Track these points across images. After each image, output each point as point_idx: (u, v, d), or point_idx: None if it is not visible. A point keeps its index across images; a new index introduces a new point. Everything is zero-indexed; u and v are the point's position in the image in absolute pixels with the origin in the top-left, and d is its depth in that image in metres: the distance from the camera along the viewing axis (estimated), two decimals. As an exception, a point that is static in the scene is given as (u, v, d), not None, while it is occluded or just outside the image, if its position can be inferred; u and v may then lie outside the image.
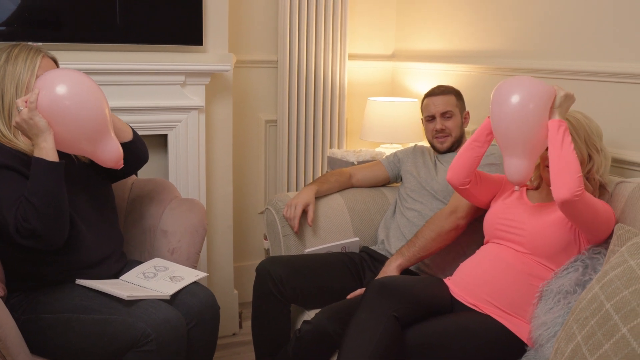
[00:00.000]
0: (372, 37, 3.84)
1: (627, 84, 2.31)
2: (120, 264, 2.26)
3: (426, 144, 2.86)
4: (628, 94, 2.31)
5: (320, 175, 3.59)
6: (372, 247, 2.66)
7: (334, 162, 3.32)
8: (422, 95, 2.77)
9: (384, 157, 2.97)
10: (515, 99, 1.95)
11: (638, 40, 2.26)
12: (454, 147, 2.68)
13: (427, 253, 2.40)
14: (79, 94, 1.92)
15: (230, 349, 3.20)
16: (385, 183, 2.90)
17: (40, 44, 2.30)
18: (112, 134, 2.00)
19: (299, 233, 2.65)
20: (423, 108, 2.75)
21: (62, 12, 2.79)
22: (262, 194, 3.71)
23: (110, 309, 1.96)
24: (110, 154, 1.99)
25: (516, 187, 2.07)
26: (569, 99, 1.99)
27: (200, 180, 3.13)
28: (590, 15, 2.47)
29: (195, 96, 3.06)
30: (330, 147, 3.68)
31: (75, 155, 2.20)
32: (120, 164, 2.03)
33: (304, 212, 2.63)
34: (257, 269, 2.44)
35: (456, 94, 2.71)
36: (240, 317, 3.41)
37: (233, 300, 3.38)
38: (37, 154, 1.91)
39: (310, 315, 2.37)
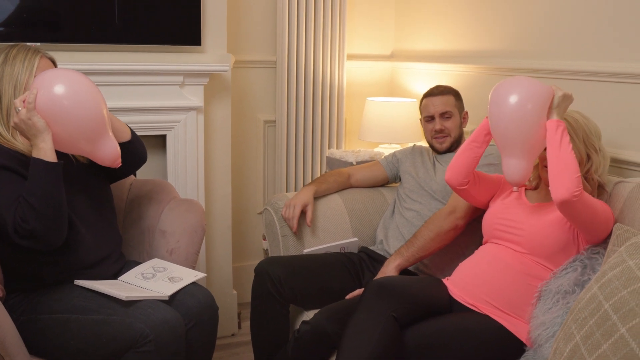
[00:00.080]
0: (371, 37, 3.84)
1: (626, 83, 2.31)
2: (118, 264, 2.26)
3: (425, 144, 2.86)
4: (627, 94, 2.31)
5: (319, 175, 3.58)
6: (371, 248, 2.66)
7: (332, 163, 3.32)
8: (421, 96, 2.77)
9: (383, 157, 2.97)
10: (513, 99, 1.95)
11: (637, 40, 2.26)
12: (453, 147, 2.68)
13: (426, 253, 2.40)
14: (77, 94, 1.91)
15: (229, 350, 3.20)
16: (384, 183, 2.90)
17: (38, 44, 2.30)
18: (110, 133, 2.00)
19: (298, 233, 2.65)
20: (422, 108, 2.75)
21: (60, 13, 2.79)
22: (261, 195, 3.71)
23: (108, 309, 1.96)
24: (108, 153, 1.99)
25: (515, 188, 2.07)
26: (567, 99, 1.99)
27: (199, 180, 3.13)
28: (590, 15, 2.47)
29: (193, 96, 3.06)
30: (329, 148, 3.68)
31: (73, 156, 2.20)
32: (117, 163, 2.03)
33: (303, 213, 2.63)
34: (256, 270, 2.44)
35: (455, 94, 2.71)
36: (239, 317, 3.41)
37: (232, 300, 3.38)
38: (36, 154, 1.90)
39: (309, 315, 2.37)
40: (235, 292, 3.42)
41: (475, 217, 2.40)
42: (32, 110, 1.87)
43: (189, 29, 2.99)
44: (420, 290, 2.10)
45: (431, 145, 2.74)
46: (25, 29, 2.74)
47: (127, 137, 2.23)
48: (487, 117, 2.12)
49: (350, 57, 3.72)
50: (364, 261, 2.59)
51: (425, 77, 3.55)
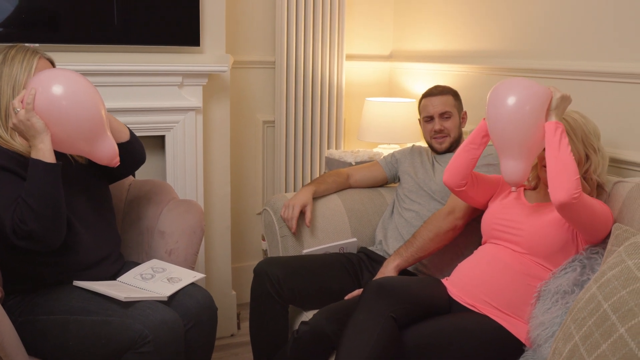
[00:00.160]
0: (370, 38, 3.84)
1: (625, 83, 2.31)
2: (117, 265, 2.26)
3: (424, 144, 2.86)
4: (626, 93, 2.31)
5: (318, 176, 3.58)
6: (370, 248, 2.66)
7: (331, 163, 3.32)
8: (420, 96, 2.77)
9: (382, 157, 2.97)
10: (511, 100, 1.95)
11: (637, 40, 2.26)
12: (452, 148, 2.68)
13: (425, 253, 2.40)
14: (75, 94, 1.91)
15: (228, 350, 3.20)
16: (383, 183, 2.90)
17: (37, 45, 2.30)
18: (108, 132, 2.00)
19: (297, 234, 2.64)
20: (421, 109, 2.74)
21: (59, 13, 2.79)
22: (260, 195, 3.71)
23: (107, 310, 1.96)
24: (106, 152, 1.99)
25: (513, 188, 2.07)
26: (565, 100, 1.98)
27: (198, 181, 3.13)
28: (589, 15, 2.47)
29: (192, 97, 3.06)
30: (328, 148, 3.68)
31: (72, 157, 2.19)
32: (115, 162, 2.02)
33: (302, 213, 2.63)
34: (255, 270, 2.44)
35: (454, 94, 2.71)
36: (238, 318, 3.41)
37: (231, 301, 3.38)
38: (35, 155, 1.90)
39: (308, 316, 2.36)
40: (234, 292, 3.42)
41: (474, 217, 2.40)
42: (30, 111, 1.87)
43: (188, 30, 2.99)
44: (419, 291, 2.10)
45: (430, 146, 2.74)
46: (24, 29, 2.74)
47: (125, 137, 2.23)
48: (484, 119, 2.12)
49: (349, 57, 3.72)
50: (363, 261, 2.59)
51: (424, 77, 3.55)
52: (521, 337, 2.01)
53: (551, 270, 2.04)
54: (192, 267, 2.39)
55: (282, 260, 2.50)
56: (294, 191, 3.57)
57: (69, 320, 1.96)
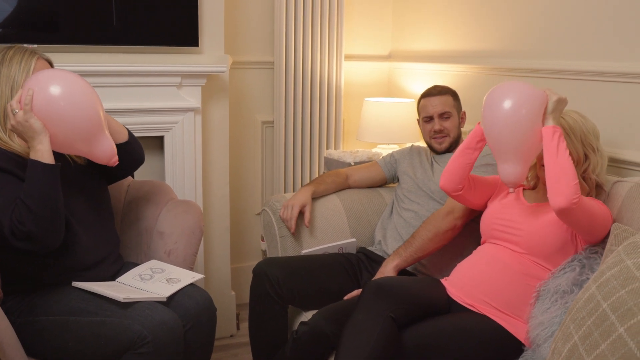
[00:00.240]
0: (369, 38, 3.84)
1: (624, 83, 2.31)
2: (116, 266, 2.25)
3: (423, 144, 2.86)
4: (626, 93, 2.31)
5: (317, 176, 3.58)
6: (369, 248, 2.66)
7: (330, 163, 3.32)
8: (419, 96, 2.77)
9: (381, 157, 2.97)
10: (507, 104, 1.95)
11: (636, 40, 2.26)
12: (452, 148, 2.68)
13: (424, 253, 2.40)
14: (73, 94, 1.91)
15: (227, 351, 3.20)
16: (382, 184, 2.90)
17: (35, 45, 2.30)
18: (106, 132, 1.99)
19: (296, 234, 2.64)
20: (420, 109, 2.74)
21: (58, 14, 2.79)
22: (259, 195, 3.70)
23: (106, 311, 1.96)
24: (105, 152, 1.99)
25: (511, 190, 2.06)
26: (561, 102, 1.98)
27: (197, 181, 3.12)
28: (588, 15, 2.46)
29: (191, 97, 3.05)
30: (327, 148, 3.68)
31: (71, 157, 2.19)
32: (114, 161, 2.01)
33: (301, 213, 2.63)
34: (254, 270, 2.44)
35: (453, 94, 2.71)
36: (237, 318, 3.41)
37: (230, 301, 3.38)
38: (33, 156, 1.90)
39: (307, 316, 2.36)
40: (233, 293, 3.42)
41: (473, 217, 2.40)
42: (29, 112, 1.86)
43: (187, 30, 2.99)
44: (418, 291, 2.09)
45: (429, 146, 2.74)
46: (22, 30, 2.74)
47: (124, 138, 2.22)
48: (479, 123, 2.13)
49: (348, 57, 3.72)
50: (362, 262, 2.59)
51: (423, 77, 3.55)
52: (520, 337, 2.01)
53: (550, 270, 2.04)
54: (191, 268, 2.39)
55: (281, 260, 2.50)
56: (293, 191, 3.57)
57: (68, 321, 1.96)
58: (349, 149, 3.64)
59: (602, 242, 1.99)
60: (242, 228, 3.69)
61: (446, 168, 2.24)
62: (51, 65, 2.14)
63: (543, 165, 2.01)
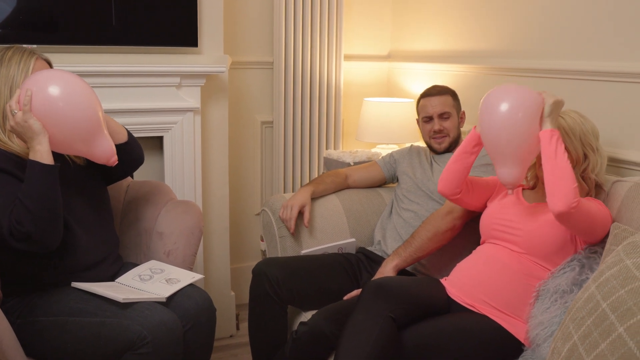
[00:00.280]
0: (368, 38, 3.84)
1: (624, 83, 2.31)
2: (116, 266, 2.25)
3: (422, 144, 2.86)
4: (626, 93, 2.31)
5: (316, 176, 3.58)
6: (369, 248, 2.66)
7: (330, 163, 3.32)
8: (418, 96, 2.77)
9: (380, 157, 2.97)
10: (504, 108, 1.94)
11: (636, 40, 2.26)
12: (451, 148, 2.68)
13: (424, 253, 2.40)
14: (72, 95, 1.91)
15: (227, 351, 3.20)
16: (382, 184, 2.90)
17: (34, 46, 2.30)
18: (105, 132, 1.99)
19: (295, 234, 2.64)
20: (419, 109, 2.74)
21: (57, 14, 2.79)
22: (259, 196, 3.70)
23: (105, 311, 1.95)
24: (104, 151, 1.98)
25: (510, 192, 2.06)
26: (558, 104, 1.97)
27: (196, 182, 3.12)
28: (589, 15, 2.46)
29: (190, 98, 3.05)
30: (327, 148, 3.68)
31: (70, 158, 2.19)
32: (113, 160, 2.01)
33: (300, 214, 2.63)
34: (254, 271, 2.43)
35: (452, 94, 2.72)
36: (237, 318, 3.41)
37: (230, 302, 3.38)
38: (32, 156, 1.90)
39: (307, 316, 2.36)
40: (233, 293, 3.42)
41: (472, 217, 2.40)
42: (27, 113, 1.86)
43: (186, 30, 2.99)
44: (418, 291, 2.09)
45: (429, 146, 2.74)
46: (22, 31, 2.74)
47: (123, 138, 2.22)
48: (474, 128, 2.12)
49: (348, 57, 3.72)
50: (362, 262, 2.59)
51: (422, 77, 3.55)
52: (520, 336, 2.01)
53: (550, 270, 2.04)
54: (190, 268, 2.39)
55: (280, 260, 2.50)
56: (293, 192, 3.57)
57: (68, 321, 1.96)
58: (348, 149, 3.64)
59: (602, 241, 1.99)
60: (242, 228, 3.69)
61: (443, 173, 2.24)
62: (50, 65, 2.14)
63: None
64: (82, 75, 2.04)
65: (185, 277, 2.21)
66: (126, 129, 2.26)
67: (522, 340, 2.01)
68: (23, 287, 2.07)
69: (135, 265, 2.31)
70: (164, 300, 2.08)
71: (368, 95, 3.76)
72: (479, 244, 2.27)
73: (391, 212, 2.71)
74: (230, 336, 3.37)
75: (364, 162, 3.17)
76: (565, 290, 1.94)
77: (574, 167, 2.06)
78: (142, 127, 2.94)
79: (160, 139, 3.08)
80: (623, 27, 2.31)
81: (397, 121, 3.37)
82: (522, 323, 2.03)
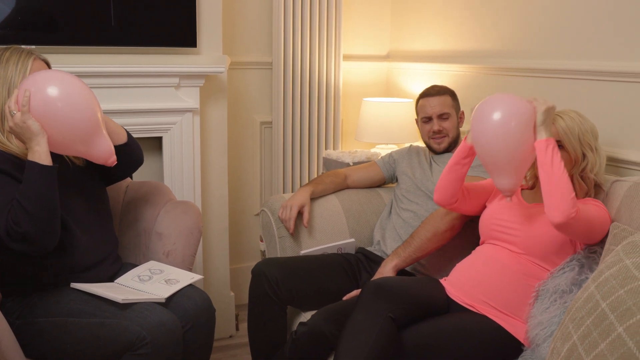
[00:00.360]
0: (367, 38, 3.84)
1: (624, 83, 2.30)
2: (115, 267, 2.25)
3: (421, 144, 2.86)
4: (625, 93, 2.31)
5: (315, 176, 3.58)
6: (368, 248, 2.66)
7: (329, 163, 3.32)
8: (417, 96, 2.77)
9: (379, 157, 2.97)
10: (496, 117, 1.92)
11: (636, 40, 2.26)
12: (450, 148, 2.68)
13: (423, 253, 2.39)
14: (71, 95, 1.90)
15: (226, 351, 3.20)
16: (381, 184, 2.90)
17: (33, 47, 2.29)
18: (104, 131, 1.99)
19: (295, 235, 2.64)
20: (418, 109, 2.74)
21: (56, 15, 2.78)
22: (258, 196, 3.70)
23: (105, 312, 1.95)
24: (102, 151, 1.98)
25: (507, 199, 2.05)
26: (549, 111, 1.96)
27: (196, 182, 3.12)
28: (589, 14, 2.46)
29: (189, 98, 3.05)
30: (326, 148, 3.67)
31: (69, 158, 2.19)
32: (112, 160, 2.00)
33: (300, 214, 2.63)
34: (253, 271, 2.43)
35: (451, 94, 2.72)
36: (236, 319, 3.41)
37: (229, 302, 3.38)
38: (31, 157, 1.89)
39: (306, 316, 2.36)
40: (232, 293, 3.42)
41: (472, 217, 2.40)
42: (26, 113, 1.86)
43: (185, 31, 2.99)
44: (417, 291, 2.09)
45: (428, 146, 2.74)
46: (21, 31, 2.73)
47: (123, 139, 2.22)
48: (465, 139, 2.11)
49: (347, 57, 3.71)
50: (361, 262, 2.59)
51: (421, 77, 3.55)
52: (520, 336, 2.01)
53: (549, 271, 2.04)
54: (189, 269, 2.39)
55: (280, 261, 2.50)
56: (292, 192, 3.57)
57: (67, 322, 1.96)
58: (347, 149, 3.63)
59: (601, 241, 1.99)
60: (241, 229, 3.68)
61: (438, 184, 2.23)
62: (48, 66, 2.13)
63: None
64: (81, 75, 2.04)
65: (184, 278, 2.21)
66: (126, 130, 2.26)
67: (521, 340, 2.01)
68: (22, 288, 2.07)
69: (134, 265, 2.31)
70: (163, 300, 2.07)
71: (367, 95, 3.76)
72: (478, 244, 2.27)
73: (390, 212, 2.71)
74: (230, 336, 3.37)
75: (363, 162, 3.17)
76: (564, 290, 1.93)
77: (572, 167, 2.06)
78: (141, 127, 2.94)
79: (160, 139, 3.08)
80: (623, 27, 2.31)
81: (396, 121, 3.36)
82: (522, 323, 2.03)
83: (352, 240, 2.67)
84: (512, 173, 1.97)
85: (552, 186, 1.89)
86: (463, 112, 2.73)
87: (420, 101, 2.72)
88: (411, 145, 2.90)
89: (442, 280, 2.22)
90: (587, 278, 1.90)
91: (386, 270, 2.38)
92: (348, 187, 2.85)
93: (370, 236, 2.75)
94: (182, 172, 3.09)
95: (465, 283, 2.13)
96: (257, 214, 3.64)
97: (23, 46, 2.11)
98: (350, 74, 3.78)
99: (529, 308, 2.01)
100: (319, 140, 3.66)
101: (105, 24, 2.85)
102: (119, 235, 2.44)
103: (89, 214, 2.19)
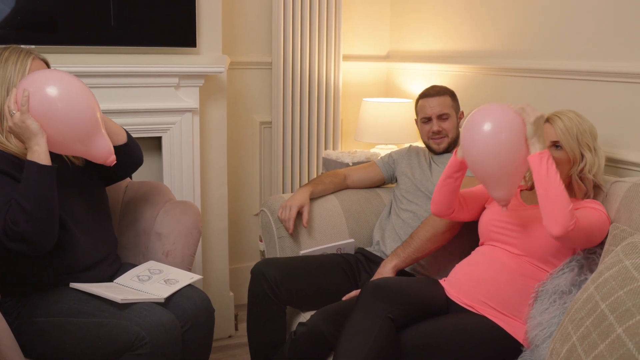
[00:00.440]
0: (367, 38, 3.84)
1: (624, 83, 2.30)
2: (114, 267, 2.25)
3: (421, 144, 2.86)
4: (625, 93, 2.30)
5: (315, 176, 3.58)
6: (368, 249, 2.66)
7: (329, 163, 3.32)
8: (417, 96, 2.76)
9: (379, 158, 2.97)
10: (486, 129, 1.91)
11: (636, 40, 2.26)
12: (450, 148, 2.68)
13: (423, 254, 2.39)
14: (70, 95, 1.90)
15: (226, 352, 3.20)
16: (380, 184, 2.90)
17: (33, 46, 2.29)
18: (103, 131, 1.98)
19: (294, 235, 2.64)
20: (418, 109, 2.74)
21: (56, 15, 2.78)
22: (257, 196, 3.70)
23: (104, 312, 1.95)
24: (101, 151, 1.97)
25: (504, 209, 2.04)
26: (539, 121, 1.94)
27: (195, 182, 3.12)
28: (588, 15, 2.46)
29: (189, 98, 3.05)
30: (325, 148, 3.67)
31: (68, 158, 2.19)
32: (111, 160, 2.00)
33: (299, 214, 2.63)
34: (252, 271, 2.43)
35: (451, 94, 2.71)
36: (236, 319, 3.41)
37: (229, 302, 3.38)
38: (30, 157, 1.89)
39: (305, 317, 2.36)
40: (232, 293, 3.42)
41: (471, 217, 2.40)
42: (25, 113, 1.86)
43: (185, 31, 2.99)
44: (417, 291, 2.09)
45: (428, 146, 2.74)
46: (20, 31, 2.73)
47: (122, 139, 2.22)
48: (455, 153, 2.10)
49: (346, 57, 3.71)
50: (361, 262, 2.59)
51: (421, 77, 3.55)
52: (519, 337, 2.01)
53: (548, 272, 2.03)
54: (189, 269, 2.39)
55: (279, 261, 2.49)
56: (291, 192, 3.57)
57: (66, 322, 1.95)
58: (347, 150, 3.63)
59: (601, 242, 1.99)
60: (240, 229, 3.68)
61: (433, 197, 2.23)
62: (47, 65, 2.13)
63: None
64: (81, 75, 2.04)
65: (183, 278, 2.21)
66: (125, 130, 2.26)
67: (520, 340, 2.01)
68: (22, 288, 2.07)
69: (133, 265, 2.30)
70: (163, 300, 2.07)
71: (367, 95, 3.76)
72: (477, 245, 2.27)
73: (390, 212, 2.71)
74: (229, 336, 3.36)
75: (362, 162, 3.17)
76: (564, 291, 1.93)
77: (570, 168, 2.06)
78: (140, 127, 2.93)
79: (159, 139, 3.08)
80: (623, 27, 2.31)
81: (396, 121, 3.36)
82: (521, 324, 2.03)
83: (352, 240, 2.67)
84: (505, 185, 1.96)
85: (549, 200, 1.88)
86: (462, 113, 2.73)
87: (420, 101, 2.72)
88: (411, 145, 2.90)
89: (441, 281, 2.22)
90: (586, 279, 1.90)
91: (385, 270, 2.38)
92: (347, 188, 2.85)
93: (369, 236, 2.75)
94: (181, 172, 3.08)
95: (465, 284, 2.13)
96: (257, 214, 3.64)
97: (22, 46, 2.11)
98: (350, 74, 3.78)
99: (528, 309, 2.01)
100: (319, 141, 3.66)
101: (105, 24, 2.85)
102: (119, 235, 2.44)
103: (88, 213, 2.19)
